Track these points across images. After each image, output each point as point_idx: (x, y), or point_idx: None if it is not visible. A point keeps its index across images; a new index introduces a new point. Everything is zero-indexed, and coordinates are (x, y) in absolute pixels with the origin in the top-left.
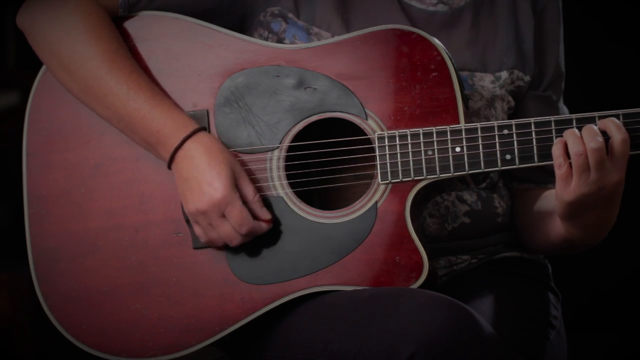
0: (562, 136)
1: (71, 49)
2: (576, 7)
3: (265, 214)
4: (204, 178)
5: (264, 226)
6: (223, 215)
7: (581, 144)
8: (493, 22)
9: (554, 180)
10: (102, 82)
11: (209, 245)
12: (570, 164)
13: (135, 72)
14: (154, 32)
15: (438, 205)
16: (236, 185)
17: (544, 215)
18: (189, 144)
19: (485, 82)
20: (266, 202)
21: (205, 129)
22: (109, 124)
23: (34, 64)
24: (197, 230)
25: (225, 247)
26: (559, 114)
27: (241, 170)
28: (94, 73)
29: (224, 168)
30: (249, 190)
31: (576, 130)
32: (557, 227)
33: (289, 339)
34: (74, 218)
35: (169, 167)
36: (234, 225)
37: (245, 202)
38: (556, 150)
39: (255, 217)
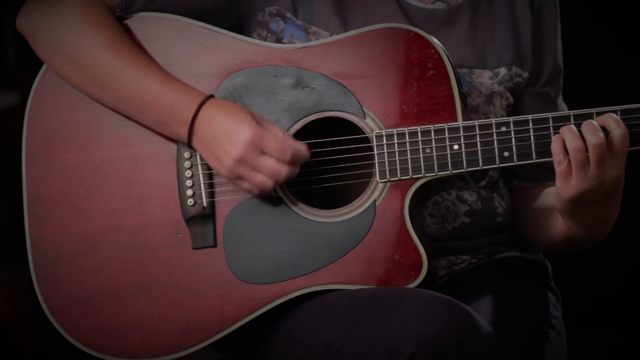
0: (559, 133)
1: (75, 40)
2: (574, 5)
3: (299, 144)
4: (229, 129)
5: (304, 150)
6: (262, 153)
7: (579, 139)
8: (491, 19)
9: (553, 177)
10: (110, 66)
11: (262, 193)
12: (569, 160)
13: (140, 54)
14: (152, 33)
15: (438, 205)
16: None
17: (546, 213)
18: (205, 108)
19: (484, 78)
20: (265, 202)
21: (212, 96)
22: (117, 110)
23: (34, 64)
24: (244, 185)
25: (277, 185)
26: (557, 110)
27: (260, 115)
28: (101, 59)
29: (244, 114)
30: (273, 127)
31: (573, 127)
32: (559, 225)
33: (289, 339)
34: (73, 220)
35: (189, 137)
36: (276, 155)
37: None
38: (555, 146)
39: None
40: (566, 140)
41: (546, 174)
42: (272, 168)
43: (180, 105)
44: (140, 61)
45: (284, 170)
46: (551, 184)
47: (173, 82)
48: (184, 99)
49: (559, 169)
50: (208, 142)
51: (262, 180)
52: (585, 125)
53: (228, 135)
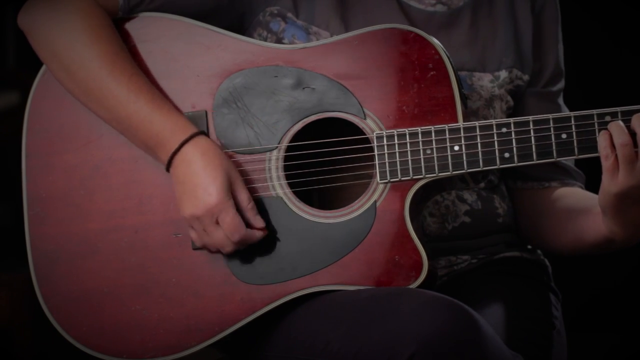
0: (604, 129)
1: (71, 50)
2: (574, 6)
3: (258, 222)
4: (200, 183)
5: (257, 234)
6: (217, 222)
7: (626, 134)
8: (492, 22)
9: (558, 177)
10: (103, 84)
11: (205, 249)
12: (616, 155)
13: (136, 74)
14: (152, 33)
15: (438, 204)
16: (232, 191)
17: (574, 213)
18: (186, 148)
19: (484, 81)
20: (265, 203)
21: (204, 132)
22: (110, 126)
23: (34, 64)
24: (193, 234)
25: (219, 252)
26: (558, 111)
27: (237, 175)
28: (95, 75)
29: (220, 174)
30: (243, 196)
31: (620, 122)
32: (596, 226)
33: (289, 339)
34: (73, 220)
35: (168, 170)
36: (226, 232)
37: (239, 209)
38: (602, 141)
39: (248, 224)
40: (613, 135)
41: (551, 173)
42: (219, 239)
43: (165, 137)
44: (134, 83)
45: (229, 247)
46: (556, 185)
47: (162, 110)
48: (169, 131)
49: (607, 164)
50: (180, 182)
51: (208, 243)
52: (636, 118)
53: (195, 190)
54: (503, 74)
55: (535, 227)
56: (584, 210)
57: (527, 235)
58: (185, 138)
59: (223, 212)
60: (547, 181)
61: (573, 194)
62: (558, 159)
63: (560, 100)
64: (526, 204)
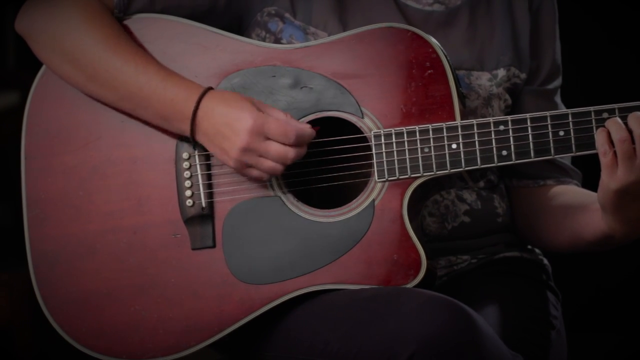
0: (601, 126)
1: (75, 39)
2: (573, 4)
3: (303, 124)
4: (231, 119)
5: (308, 129)
6: (266, 138)
7: (624, 130)
8: (489, 20)
9: (554, 175)
10: (109, 63)
11: (274, 176)
12: (615, 151)
13: (140, 51)
14: (150, 34)
15: (438, 204)
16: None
17: (572, 211)
18: (204, 102)
19: (483, 80)
20: (263, 203)
21: (212, 88)
22: (119, 108)
23: (34, 64)
24: (254, 173)
25: (276, 185)
26: (555, 109)
27: (259, 101)
28: (100, 57)
29: (244, 102)
30: (275, 110)
31: (618, 119)
32: (596, 223)
33: (288, 339)
34: (72, 221)
35: (192, 135)
36: (280, 139)
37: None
38: (600, 138)
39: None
40: (611, 132)
41: (547, 171)
42: (278, 152)
43: (180, 100)
44: (140, 57)
45: (290, 153)
46: (551, 183)
47: (172, 77)
48: (183, 94)
49: (605, 160)
50: (212, 136)
51: (271, 165)
52: (631, 117)
53: (230, 126)
54: (501, 72)
55: (532, 225)
56: (581, 207)
57: (525, 234)
58: (201, 93)
59: (265, 124)
60: (542, 179)
61: (569, 192)
62: (556, 156)
63: (557, 99)
64: (522, 202)
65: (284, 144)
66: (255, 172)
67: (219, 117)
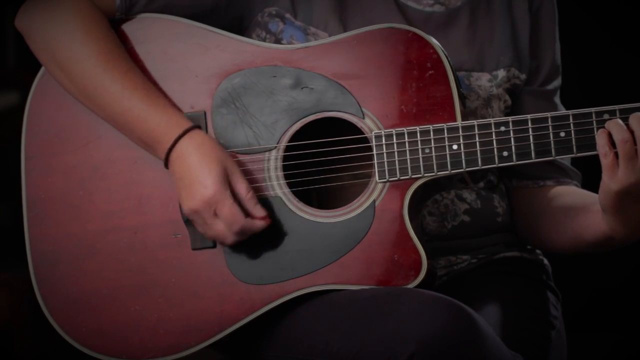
0: (602, 127)
1: (67, 49)
2: (573, 5)
3: (259, 211)
4: (196, 177)
5: (257, 224)
6: (215, 214)
7: (626, 131)
8: (489, 21)
9: (553, 176)
10: (98, 82)
11: (212, 240)
12: (615, 153)
13: (131, 71)
14: (150, 34)
15: (437, 203)
16: (228, 182)
17: (574, 212)
18: (181, 144)
19: (482, 81)
20: (264, 203)
21: (199, 127)
22: (108, 124)
23: (34, 64)
24: (198, 228)
25: (224, 245)
26: (555, 109)
27: (235, 167)
28: (90, 73)
29: (215, 166)
30: (241, 187)
31: (619, 120)
32: (596, 224)
33: (288, 339)
34: (72, 221)
35: (166, 166)
36: (225, 223)
37: (238, 200)
38: (600, 139)
39: (248, 214)
40: (612, 133)
41: (547, 172)
42: (219, 231)
43: (160, 133)
44: (128, 79)
45: (229, 238)
46: (551, 184)
47: (157, 106)
48: (163, 127)
49: (605, 161)
50: (178, 178)
51: (211, 235)
52: (633, 118)
53: (192, 184)
54: (501, 73)
55: (532, 226)
56: (582, 209)
57: (525, 234)
58: (179, 134)
59: (219, 203)
60: (542, 180)
61: (570, 193)
62: (556, 157)
63: (557, 99)
64: (522, 203)
65: (227, 228)
66: (199, 228)
67: (186, 167)
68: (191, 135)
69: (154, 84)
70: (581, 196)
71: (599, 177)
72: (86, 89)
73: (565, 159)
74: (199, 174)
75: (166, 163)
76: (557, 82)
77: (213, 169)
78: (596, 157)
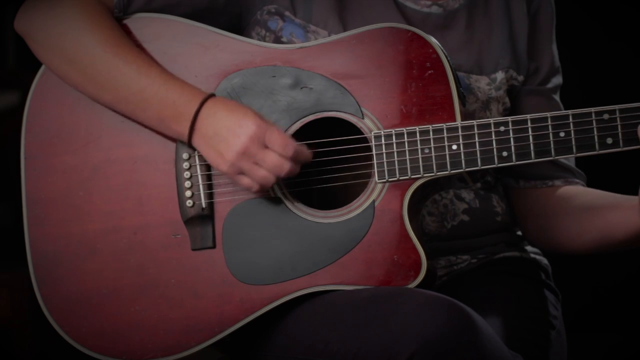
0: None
1: (75, 40)
2: (572, 5)
3: (301, 144)
4: (233, 122)
5: (307, 150)
6: (265, 147)
7: None
8: (487, 23)
9: (562, 175)
10: (111, 64)
11: (262, 189)
12: None
13: (142, 53)
14: (150, 34)
15: (436, 203)
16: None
17: (601, 210)
18: (207, 105)
19: (481, 84)
20: (263, 203)
21: (214, 95)
22: (115, 109)
23: (34, 64)
24: (245, 181)
25: (279, 181)
26: (554, 107)
27: (262, 115)
28: (102, 58)
29: (247, 110)
30: (277, 126)
31: None
32: (629, 221)
33: (288, 339)
34: (72, 221)
35: (189, 136)
36: (279, 149)
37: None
38: None
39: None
40: None
41: (553, 172)
42: (274, 162)
43: (183, 102)
44: (142, 59)
45: (286, 165)
46: (559, 184)
47: (175, 80)
48: (186, 96)
49: None
50: (210, 137)
51: (264, 174)
52: None
53: (231, 129)
54: (499, 75)
55: (546, 227)
56: (610, 206)
57: (536, 236)
58: (205, 97)
59: (268, 132)
60: (550, 179)
61: (587, 192)
62: (556, 157)
63: (557, 97)
64: (533, 204)
65: (281, 155)
66: (246, 180)
67: (220, 120)
68: (214, 98)
69: None
70: (603, 195)
71: (599, 178)
72: (98, 74)
73: (569, 159)
74: (235, 119)
75: (191, 131)
76: (556, 80)
77: (247, 112)
78: (596, 157)
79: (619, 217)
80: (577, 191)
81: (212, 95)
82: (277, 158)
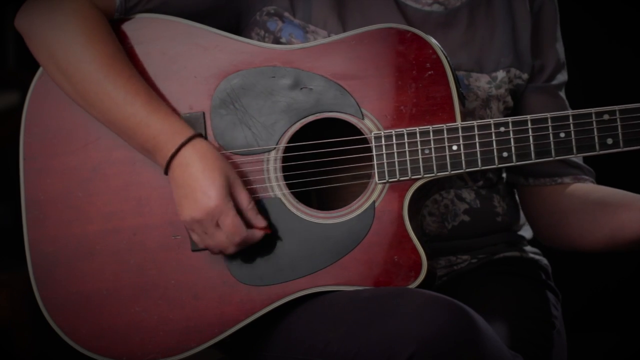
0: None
1: (68, 52)
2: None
3: (259, 222)
4: (199, 186)
5: (257, 234)
6: (217, 225)
7: None
8: (490, 22)
9: (570, 172)
10: (99, 86)
11: (207, 250)
12: None
13: (133, 76)
14: (149, 34)
15: (437, 203)
16: (230, 193)
17: (614, 208)
18: (184, 151)
19: (481, 82)
20: (263, 204)
21: (201, 135)
22: (107, 128)
23: (34, 64)
24: (194, 237)
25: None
26: (559, 105)
27: (236, 177)
28: (92, 77)
29: (218, 176)
30: (243, 197)
31: None
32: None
33: (288, 340)
34: (72, 222)
35: (166, 173)
36: (227, 234)
37: (239, 210)
38: None
39: (249, 224)
40: None
41: (562, 169)
42: (221, 242)
43: (163, 140)
44: (131, 85)
45: (230, 248)
46: (568, 181)
47: (159, 112)
48: (166, 134)
49: None
50: (179, 185)
51: (210, 245)
52: None
53: (194, 193)
54: (501, 74)
55: (558, 225)
56: (623, 205)
57: (546, 234)
58: (183, 141)
59: (223, 214)
60: (559, 177)
61: (599, 189)
62: (556, 158)
63: (562, 94)
64: (543, 201)
65: (228, 239)
66: (195, 237)
67: (190, 175)
68: (194, 144)
69: (153, 85)
70: (616, 193)
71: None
72: (87, 93)
73: (578, 157)
74: (202, 184)
75: (166, 170)
76: (562, 77)
77: (217, 179)
78: (596, 157)
79: (632, 216)
80: (588, 188)
81: (193, 138)
82: (224, 239)
